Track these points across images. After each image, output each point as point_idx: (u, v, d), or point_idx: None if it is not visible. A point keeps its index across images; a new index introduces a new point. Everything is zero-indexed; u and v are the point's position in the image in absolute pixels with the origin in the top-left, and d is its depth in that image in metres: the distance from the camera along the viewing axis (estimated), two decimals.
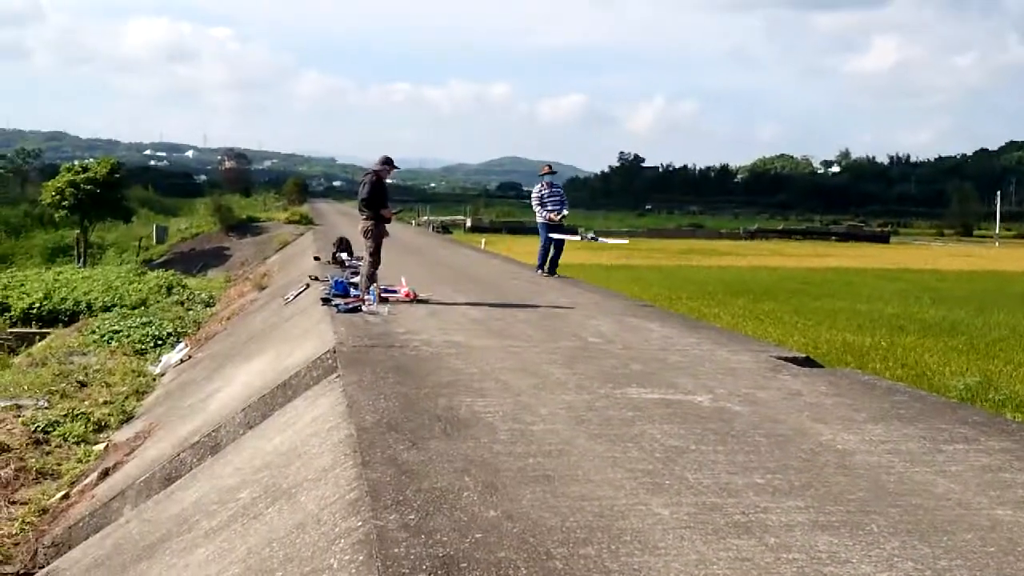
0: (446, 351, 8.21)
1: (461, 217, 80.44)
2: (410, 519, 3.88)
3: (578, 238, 19.04)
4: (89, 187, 41.05)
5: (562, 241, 16.52)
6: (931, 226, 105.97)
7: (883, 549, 3.74)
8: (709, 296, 20.03)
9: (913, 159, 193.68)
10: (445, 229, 61.71)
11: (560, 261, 16.73)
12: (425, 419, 5.65)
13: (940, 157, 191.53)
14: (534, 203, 16.29)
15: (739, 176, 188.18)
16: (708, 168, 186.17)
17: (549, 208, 15.97)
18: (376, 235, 11.68)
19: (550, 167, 16.64)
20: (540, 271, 16.77)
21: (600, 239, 21.87)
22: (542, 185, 16.18)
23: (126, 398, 11.65)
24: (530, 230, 29.59)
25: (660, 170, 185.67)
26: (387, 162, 11.90)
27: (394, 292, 12.04)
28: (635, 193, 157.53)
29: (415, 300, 11.82)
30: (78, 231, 43.14)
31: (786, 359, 8.60)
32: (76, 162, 47.11)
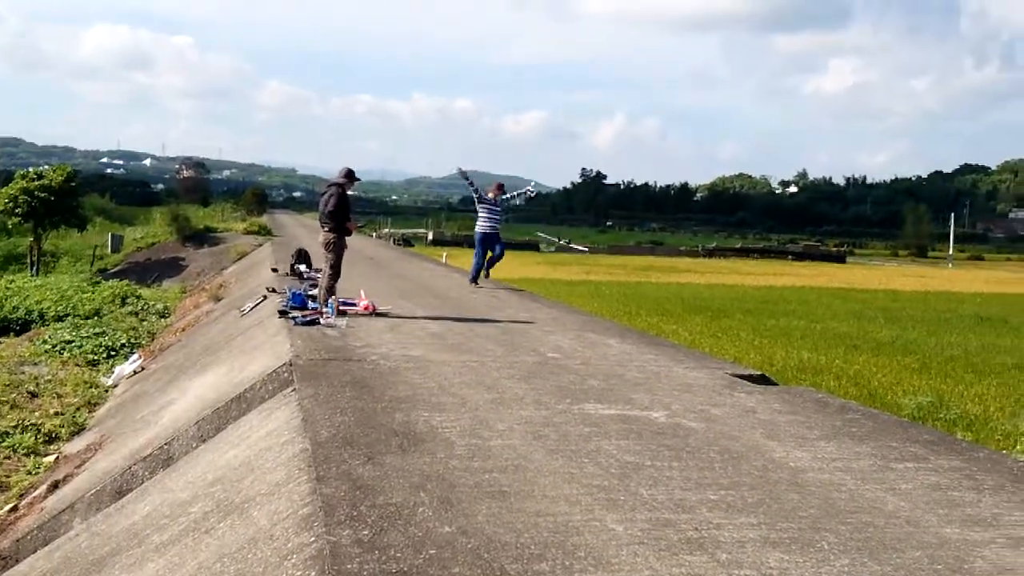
0: (404, 365, 8.18)
1: (423, 230, 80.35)
2: (364, 535, 3.85)
3: (556, 243, 19.54)
4: (44, 194, 40.39)
5: (503, 250, 16.82)
6: (886, 246, 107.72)
7: (833, 566, 3.78)
8: (668, 313, 20.15)
9: (869, 180, 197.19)
10: (407, 242, 61.58)
11: (521, 276, 16.85)
12: (381, 434, 5.62)
13: (896, 179, 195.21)
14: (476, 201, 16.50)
15: (699, 194, 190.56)
16: (668, 186, 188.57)
17: (486, 217, 16.18)
18: (338, 248, 11.65)
19: (501, 187, 16.61)
20: (473, 283, 16.91)
21: (571, 244, 22.49)
22: (485, 192, 16.31)
23: (77, 409, 11.48)
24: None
25: (621, 187, 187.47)
26: (349, 175, 11.89)
27: (353, 305, 11.99)
28: (596, 209, 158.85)
29: (374, 313, 11.78)
30: (31, 239, 42.45)
31: (741, 376, 8.68)
32: (31, 169, 46.22)
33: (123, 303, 23.29)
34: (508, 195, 16.82)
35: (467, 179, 16.61)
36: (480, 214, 16.24)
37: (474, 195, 16.47)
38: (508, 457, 5.22)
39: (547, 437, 5.74)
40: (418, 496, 4.42)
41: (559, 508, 4.35)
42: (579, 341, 10.55)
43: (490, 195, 16.21)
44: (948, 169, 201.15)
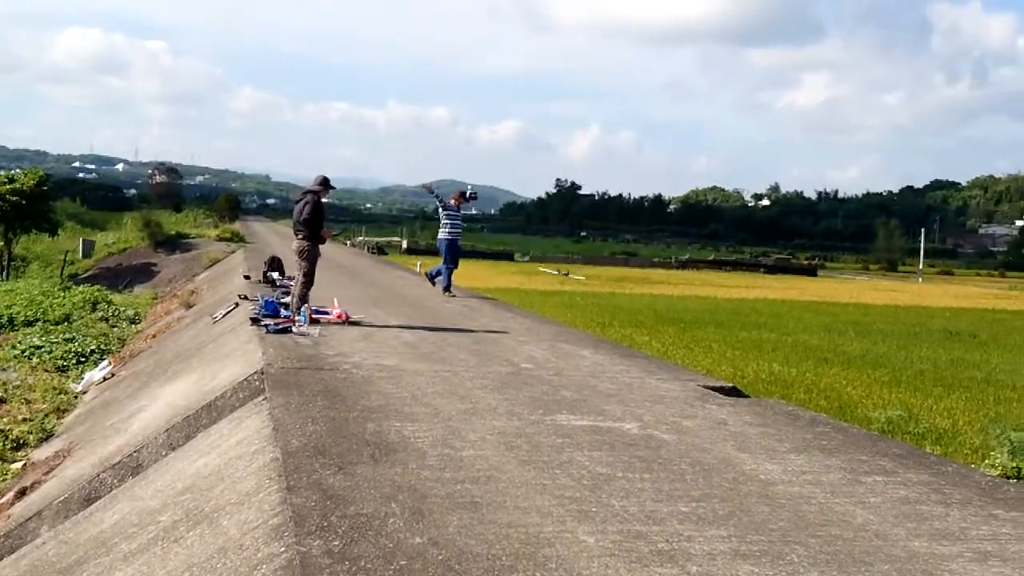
0: (377, 374, 8.16)
1: (397, 239, 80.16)
2: (334, 545, 3.84)
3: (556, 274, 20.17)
4: (15, 198, 39.99)
5: (457, 259, 17.32)
6: (857, 260, 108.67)
7: None
8: (641, 324, 20.22)
9: (841, 195, 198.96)
10: (380, 250, 61.38)
11: (495, 285, 16.98)
12: (353, 443, 5.60)
13: (867, 193, 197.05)
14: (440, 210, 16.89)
15: (672, 206, 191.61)
16: (642, 197, 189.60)
17: (449, 224, 16.54)
18: (312, 255, 11.61)
19: (463, 195, 17.00)
20: (448, 292, 17.10)
21: (570, 275, 22.94)
22: (448, 200, 16.78)
23: (46, 416, 11.35)
24: (466, 254, 29.76)
25: (596, 198, 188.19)
26: (325, 183, 11.88)
27: (326, 313, 11.94)
28: (571, 219, 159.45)
29: (347, 322, 11.74)
30: (1, 243, 41.99)
31: (713, 388, 8.72)
32: (2, 173, 45.72)
33: (94, 308, 23.05)
34: (468, 200, 17.26)
35: (432, 193, 17.61)
36: (443, 222, 16.64)
37: (439, 204, 16.98)
38: (480, 468, 5.21)
39: (519, 448, 5.75)
40: (389, 507, 4.40)
41: (531, 519, 4.35)
42: (552, 351, 10.56)
43: (452, 202, 16.68)
44: (919, 184, 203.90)
